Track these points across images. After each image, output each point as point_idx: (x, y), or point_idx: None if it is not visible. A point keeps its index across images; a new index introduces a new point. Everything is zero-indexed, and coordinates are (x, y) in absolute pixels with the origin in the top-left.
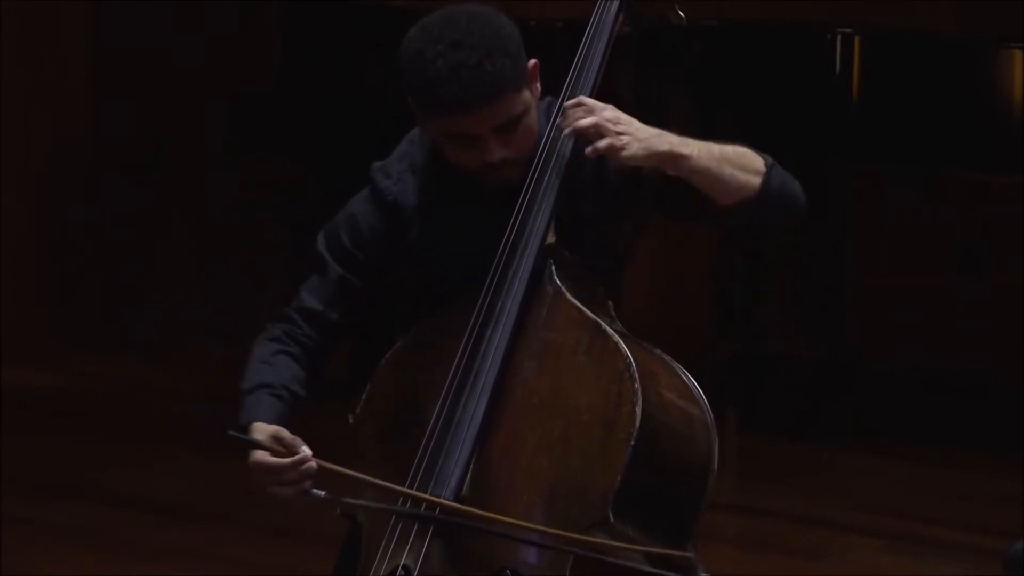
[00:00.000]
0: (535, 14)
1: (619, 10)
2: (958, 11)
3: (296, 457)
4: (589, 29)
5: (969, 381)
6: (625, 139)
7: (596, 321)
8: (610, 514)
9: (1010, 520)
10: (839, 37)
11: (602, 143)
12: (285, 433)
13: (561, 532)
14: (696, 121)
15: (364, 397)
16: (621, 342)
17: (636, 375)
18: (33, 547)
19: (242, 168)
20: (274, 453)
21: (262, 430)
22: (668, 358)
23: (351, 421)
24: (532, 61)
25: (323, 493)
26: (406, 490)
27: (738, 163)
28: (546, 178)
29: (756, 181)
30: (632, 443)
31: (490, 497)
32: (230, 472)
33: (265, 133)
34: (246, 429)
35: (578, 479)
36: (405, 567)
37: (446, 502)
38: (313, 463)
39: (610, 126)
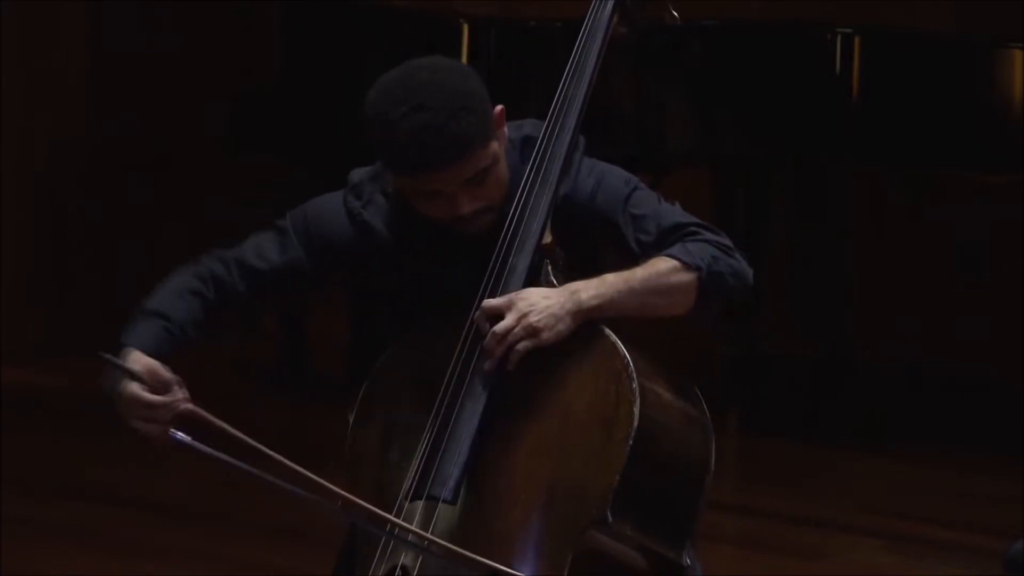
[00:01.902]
0: (535, 14)
1: (613, 11)
2: (958, 11)
3: (167, 398)
4: (584, 30)
5: (969, 381)
6: (541, 323)
7: (593, 320)
8: (608, 514)
9: (1010, 520)
10: (839, 37)
11: (520, 345)
12: (163, 370)
13: None
14: (696, 121)
15: (360, 397)
16: (619, 342)
17: (634, 375)
18: (33, 547)
19: (242, 168)
20: (148, 388)
21: (139, 360)
22: (664, 357)
23: (350, 421)
24: (498, 107)
25: (186, 437)
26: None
27: (663, 287)
28: (539, 187)
29: (688, 299)
30: (630, 442)
31: (488, 498)
32: (230, 472)
33: (265, 133)
34: (120, 350)
35: (577, 479)
36: (403, 567)
37: (422, 531)
38: (186, 406)
39: (520, 329)
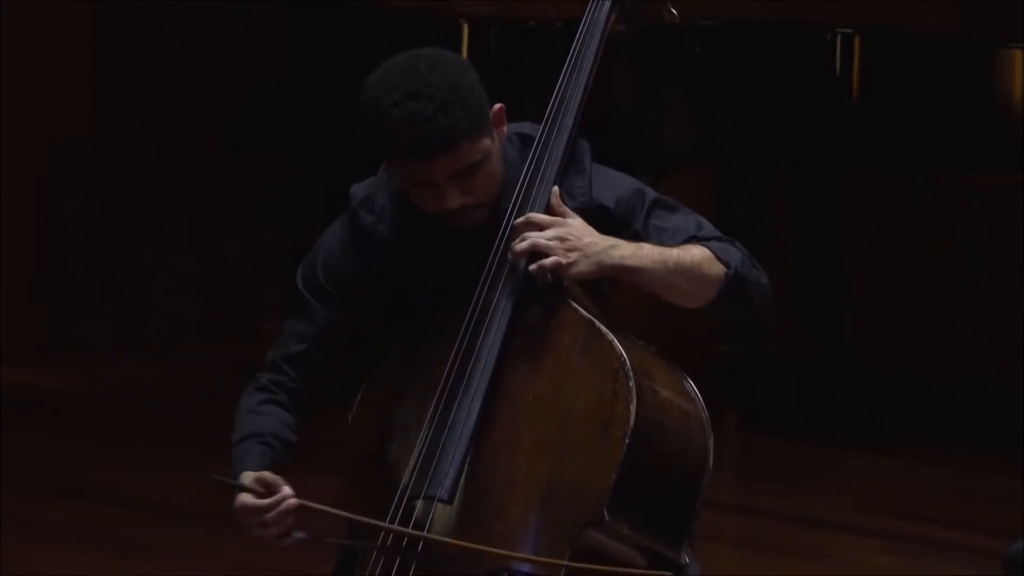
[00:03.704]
0: (535, 14)
1: (611, 9)
2: (958, 11)
3: (276, 496)
4: (581, 28)
5: (969, 381)
6: (574, 255)
7: (590, 319)
8: (605, 512)
9: (1010, 519)
10: (839, 37)
11: (547, 261)
12: (268, 474)
13: (546, 559)
14: (695, 122)
15: (359, 397)
16: (615, 340)
17: (631, 373)
18: (33, 547)
19: (242, 168)
20: (257, 495)
21: (249, 477)
22: (662, 356)
23: (350, 420)
24: (497, 106)
25: (304, 534)
26: (391, 527)
27: (693, 274)
28: (536, 184)
29: (710, 292)
30: (627, 441)
31: (486, 497)
32: (230, 472)
33: (265, 133)
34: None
35: (574, 478)
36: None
37: (433, 536)
38: (293, 501)
39: (556, 244)
